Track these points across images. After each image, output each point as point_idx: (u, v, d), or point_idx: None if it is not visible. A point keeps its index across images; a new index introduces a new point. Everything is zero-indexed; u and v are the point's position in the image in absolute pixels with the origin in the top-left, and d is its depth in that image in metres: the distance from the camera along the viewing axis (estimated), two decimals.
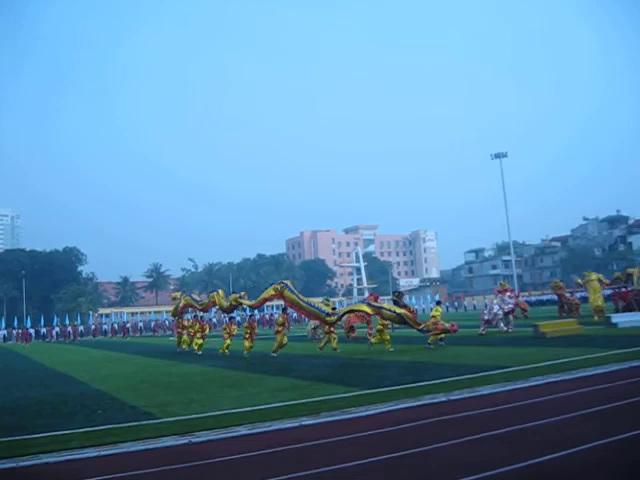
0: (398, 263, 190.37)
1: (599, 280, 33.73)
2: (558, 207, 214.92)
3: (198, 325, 30.32)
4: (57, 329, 79.85)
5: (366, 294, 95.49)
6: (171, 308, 36.98)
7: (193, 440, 9.33)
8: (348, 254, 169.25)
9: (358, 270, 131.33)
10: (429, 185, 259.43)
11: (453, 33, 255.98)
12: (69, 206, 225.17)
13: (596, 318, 30.90)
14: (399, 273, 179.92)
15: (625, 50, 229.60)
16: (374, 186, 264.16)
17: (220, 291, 31.43)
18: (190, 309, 34.33)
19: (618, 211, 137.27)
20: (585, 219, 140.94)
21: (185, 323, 32.97)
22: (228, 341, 27.59)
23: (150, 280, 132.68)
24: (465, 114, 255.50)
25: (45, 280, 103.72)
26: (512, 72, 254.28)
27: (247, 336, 26.24)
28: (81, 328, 78.50)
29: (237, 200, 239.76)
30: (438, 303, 27.49)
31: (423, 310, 78.84)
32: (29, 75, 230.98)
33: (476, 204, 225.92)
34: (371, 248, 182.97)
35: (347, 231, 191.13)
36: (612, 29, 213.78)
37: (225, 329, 28.83)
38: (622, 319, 27.29)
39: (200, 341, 29.31)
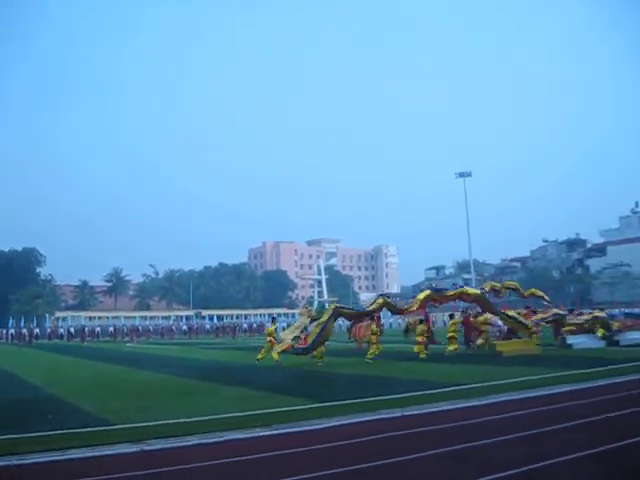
0: (359, 277, 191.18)
1: None
2: (519, 228, 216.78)
3: None
4: (12, 331, 78.57)
5: (327, 307, 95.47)
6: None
7: (146, 448, 9.24)
8: (310, 266, 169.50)
9: (319, 283, 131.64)
10: (393, 201, 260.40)
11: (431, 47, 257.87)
12: (29, 206, 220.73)
13: None
14: (360, 287, 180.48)
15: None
16: (338, 199, 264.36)
17: None
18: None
19: (577, 234, 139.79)
20: (545, 241, 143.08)
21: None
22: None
23: (110, 284, 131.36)
24: (435, 132, 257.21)
25: (2, 280, 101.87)
26: (479, 92, 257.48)
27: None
28: (37, 331, 77.33)
29: (201, 205, 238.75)
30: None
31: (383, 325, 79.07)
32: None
33: (440, 222, 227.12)
34: (333, 261, 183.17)
35: (310, 243, 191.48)
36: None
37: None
38: (576, 340, 27.72)
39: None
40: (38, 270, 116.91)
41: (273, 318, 27.99)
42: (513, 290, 31.93)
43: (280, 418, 11.25)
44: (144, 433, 10.20)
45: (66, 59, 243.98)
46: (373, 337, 24.60)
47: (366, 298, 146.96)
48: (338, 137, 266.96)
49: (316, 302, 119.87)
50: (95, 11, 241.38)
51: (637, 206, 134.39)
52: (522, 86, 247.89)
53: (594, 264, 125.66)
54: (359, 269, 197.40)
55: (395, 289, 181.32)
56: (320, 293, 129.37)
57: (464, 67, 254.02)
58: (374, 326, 25.15)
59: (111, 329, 76.74)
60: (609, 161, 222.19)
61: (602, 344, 27.47)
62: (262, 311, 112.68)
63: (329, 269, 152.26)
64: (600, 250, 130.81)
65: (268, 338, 25.11)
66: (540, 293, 32.21)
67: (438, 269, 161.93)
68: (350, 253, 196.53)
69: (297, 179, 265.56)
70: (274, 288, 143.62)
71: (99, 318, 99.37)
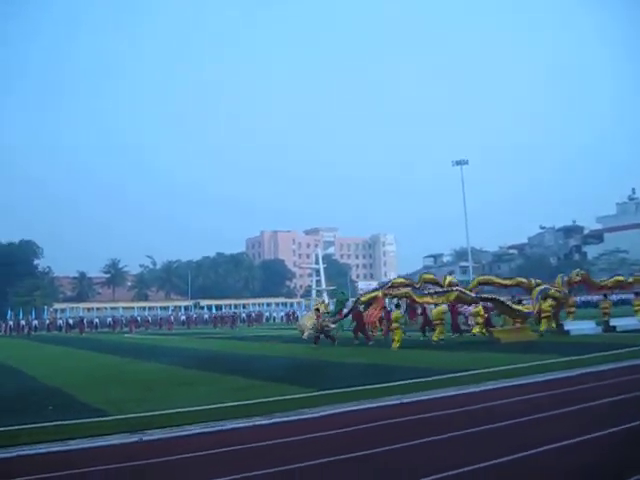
0: (357, 266, 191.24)
1: None
2: (516, 215, 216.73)
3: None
4: (10, 323, 78.57)
5: (324, 296, 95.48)
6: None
7: (144, 438, 9.23)
8: (308, 255, 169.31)
9: (317, 272, 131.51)
10: (392, 189, 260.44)
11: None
12: (24, 198, 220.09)
13: None
14: (358, 276, 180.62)
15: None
16: (336, 188, 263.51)
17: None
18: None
19: (574, 221, 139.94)
20: (542, 228, 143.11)
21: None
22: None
23: (107, 276, 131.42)
24: (433, 121, 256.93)
25: (0, 273, 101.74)
26: (479, 82, 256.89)
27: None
28: (35, 322, 77.38)
29: (199, 195, 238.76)
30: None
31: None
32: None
33: (438, 210, 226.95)
34: (331, 250, 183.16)
35: (307, 232, 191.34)
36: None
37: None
38: (574, 327, 27.76)
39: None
40: (36, 262, 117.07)
41: (397, 304, 27.88)
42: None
43: (280, 407, 11.26)
44: (143, 423, 10.19)
45: (66, 52, 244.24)
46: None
47: (364, 286, 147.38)
48: (336, 126, 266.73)
49: (314, 291, 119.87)
50: (94, 6, 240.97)
51: (634, 193, 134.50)
52: (523, 73, 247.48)
53: (591, 250, 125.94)
54: (357, 258, 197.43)
55: (393, 277, 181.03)
56: (318, 282, 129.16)
57: (465, 61, 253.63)
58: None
59: (109, 320, 76.63)
60: (608, 148, 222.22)
61: (599, 330, 27.54)
62: (261, 300, 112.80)
63: (327, 258, 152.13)
64: (597, 237, 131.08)
65: (395, 324, 25.16)
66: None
67: (436, 257, 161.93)
68: (348, 242, 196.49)
69: (294, 168, 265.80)
70: (272, 277, 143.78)
71: (97, 309, 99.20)
